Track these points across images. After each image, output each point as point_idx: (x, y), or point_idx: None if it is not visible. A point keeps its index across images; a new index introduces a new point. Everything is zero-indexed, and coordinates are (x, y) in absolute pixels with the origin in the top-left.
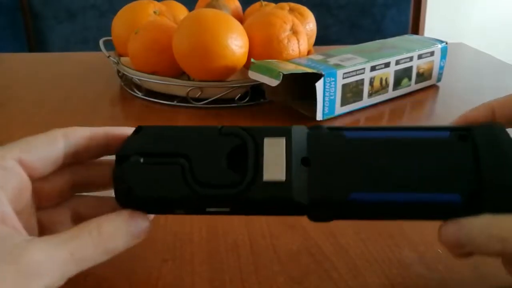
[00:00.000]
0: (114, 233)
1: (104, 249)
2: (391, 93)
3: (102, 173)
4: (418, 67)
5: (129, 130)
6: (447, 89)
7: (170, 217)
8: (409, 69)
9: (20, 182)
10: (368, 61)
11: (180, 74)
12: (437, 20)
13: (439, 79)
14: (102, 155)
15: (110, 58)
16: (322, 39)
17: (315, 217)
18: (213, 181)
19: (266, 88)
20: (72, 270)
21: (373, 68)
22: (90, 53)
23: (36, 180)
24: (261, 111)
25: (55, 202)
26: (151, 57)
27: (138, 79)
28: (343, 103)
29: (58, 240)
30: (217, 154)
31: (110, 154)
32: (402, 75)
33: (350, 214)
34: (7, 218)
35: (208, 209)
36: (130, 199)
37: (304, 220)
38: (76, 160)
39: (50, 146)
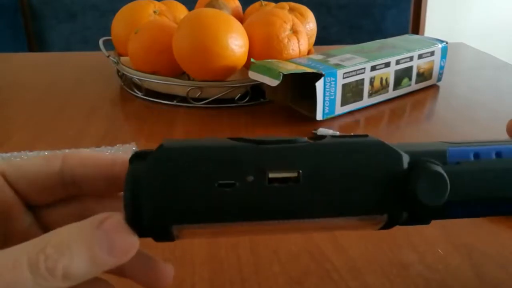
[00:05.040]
0: (64, 251)
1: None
2: (391, 93)
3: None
4: (418, 67)
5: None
6: (447, 89)
7: None
8: (409, 69)
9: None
10: (368, 61)
11: (180, 74)
12: (437, 20)
13: (439, 79)
14: (109, 188)
15: (110, 58)
16: (322, 39)
17: None
18: None
19: (266, 88)
20: None
21: (373, 68)
22: (90, 53)
23: (38, 208)
24: (261, 111)
25: None
26: (151, 56)
27: (138, 79)
28: (343, 103)
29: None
30: None
31: (117, 189)
32: (402, 75)
33: None
34: None
35: None
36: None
37: None
38: (79, 189)
39: (42, 167)
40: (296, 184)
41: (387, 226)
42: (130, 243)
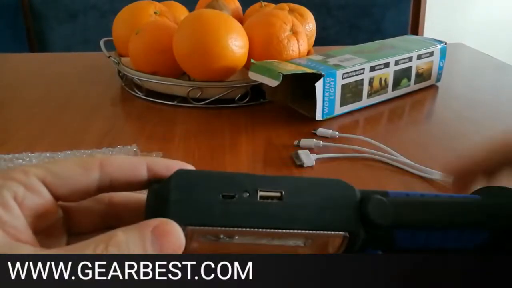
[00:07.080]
0: (126, 250)
1: None
2: (390, 93)
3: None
4: (417, 67)
5: (173, 163)
6: (446, 89)
7: None
8: (409, 69)
9: (42, 202)
10: (367, 62)
11: (181, 74)
12: (436, 20)
13: (438, 79)
14: (142, 188)
15: (111, 58)
16: (322, 39)
17: None
18: None
19: (266, 88)
20: None
21: (372, 69)
22: (91, 53)
23: (69, 204)
24: (261, 111)
25: (88, 229)
26: (151, 57)
27: (139, 79)
28: (342, 103)
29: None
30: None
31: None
32: (401, 75)
33: None
34: (14, 231)
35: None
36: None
37: None
38: (113, 189)
39: (82, 176)
40: (280, 201)
41: (350, 245)
42: (178, 246)
